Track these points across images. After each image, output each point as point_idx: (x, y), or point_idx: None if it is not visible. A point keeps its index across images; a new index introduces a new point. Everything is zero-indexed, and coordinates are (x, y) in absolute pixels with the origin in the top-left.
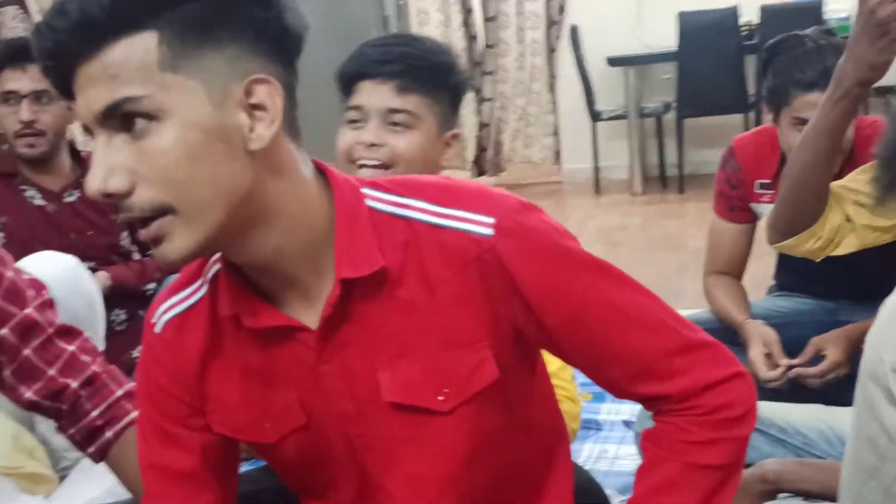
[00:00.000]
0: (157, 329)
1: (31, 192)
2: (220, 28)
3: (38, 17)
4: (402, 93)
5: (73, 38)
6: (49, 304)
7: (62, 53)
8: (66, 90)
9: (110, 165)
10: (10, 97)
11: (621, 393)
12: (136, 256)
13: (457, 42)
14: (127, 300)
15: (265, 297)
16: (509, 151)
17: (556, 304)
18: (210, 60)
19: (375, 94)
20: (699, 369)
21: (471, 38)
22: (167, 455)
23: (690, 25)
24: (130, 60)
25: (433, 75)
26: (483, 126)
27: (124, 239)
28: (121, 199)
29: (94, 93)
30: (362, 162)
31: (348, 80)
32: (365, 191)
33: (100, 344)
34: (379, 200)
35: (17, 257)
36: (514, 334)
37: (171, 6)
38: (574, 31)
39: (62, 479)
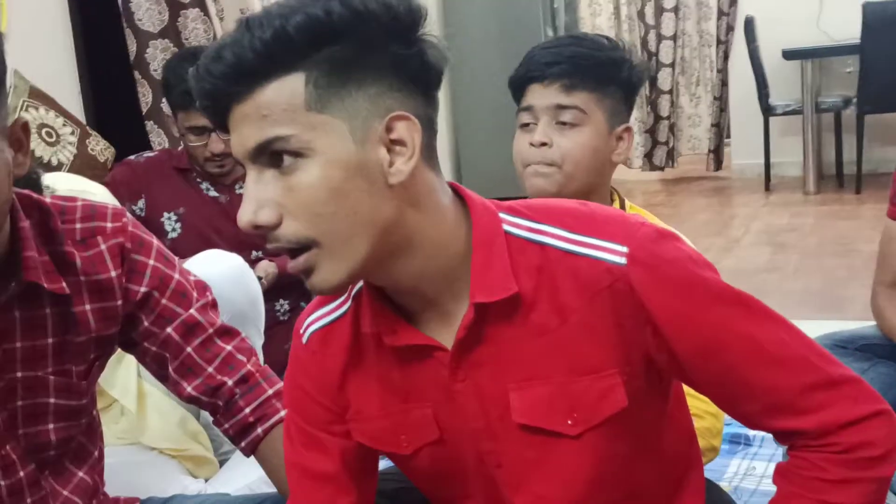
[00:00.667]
0: (304, 340)
1: (205, 185)
2: (364, 68)
3: (217, 21)
4: (570, 91)
5: (228, 81)
6: (212, 305)
7: (218, 95)
8: (222, 125)
9: (260, 199)
10: (200, 130)
11: (754, 425)
12: None
13: (626, 34)
14: (291, 291)
15: (405, 317)
16: (678, 145)
17: (689, 335)
18: (353, 99)
19: (544, 95)
20: (839, 406)
21: (647, 28)
22: (310, 457)
23: (875, 17)
24: (280, 101)
25: (602, 71)
26: (659, 119)
27: None
28: (269, 230)
29: (246, 131)
30: (531, 164)
31: (518, 85)
32: (502, 216)
33: (260, 337)
34: (515, 226)
35: (193, 245)
36: (645, 363)
37: (317, 48)
38: (749, 23)
39: (222, 463)
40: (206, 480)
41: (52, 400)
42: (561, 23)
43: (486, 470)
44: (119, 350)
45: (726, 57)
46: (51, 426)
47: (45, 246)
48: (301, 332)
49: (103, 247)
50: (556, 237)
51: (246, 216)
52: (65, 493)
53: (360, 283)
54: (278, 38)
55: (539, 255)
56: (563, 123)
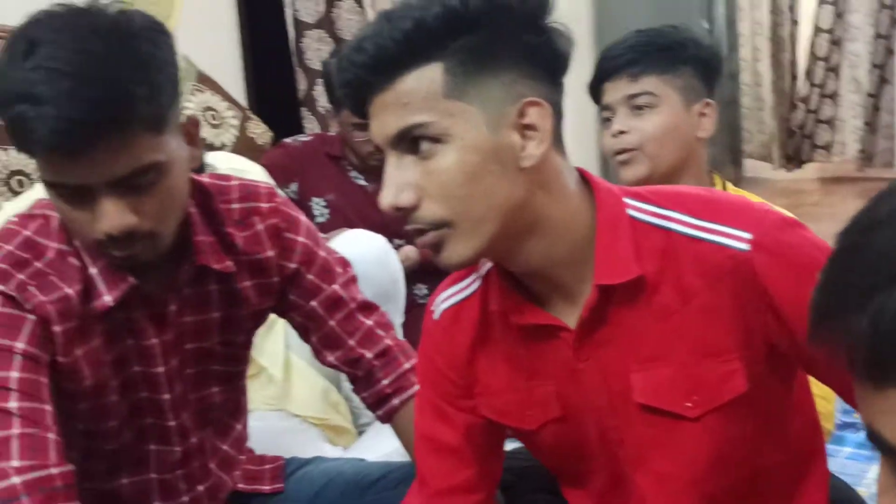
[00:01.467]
0: (436, 316)
1: (354, 173)
2: (497, 56)
3: (370, 13)
4: (637, 78)
5: (369, 71)
6: (353, 281)
7: (360, 84)
8: (362, 112)
9: (400, 183)
10: (364, 126)
11: None
12: None
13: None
14: (429, 276)
15: (531, 297)
16: (837, 143)
17: None
18: (488, 87)
19: (615, 89)
20: None
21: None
22: (437, 429)
23: None
24: (419, 90)
25: (666, 54)
26: (809, 112)
27: None
28: (409, 212)
29: (387, 119)
30: (615, 155)
31: (595, 92)
32: (627, 200)
33: (400, 316)
34: (640, 210)
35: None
36: (766, 348)
37: (454, 38)
38: None
39: (360, 433)
40: (345, 449)
41: (217, 367)
42: (717, 14)
43: (609, 447)
44: (267, 322)
45: (889, 52)
46: (216, 389)
47: (209, 227)
48: (433, 308)
49: (260, 227)
50: (681, 223)
51: (388, 198)
52: (224, 447)
53: (489, 264)
54: (418, 28)
55: (663, 240)
56: (638, 108)
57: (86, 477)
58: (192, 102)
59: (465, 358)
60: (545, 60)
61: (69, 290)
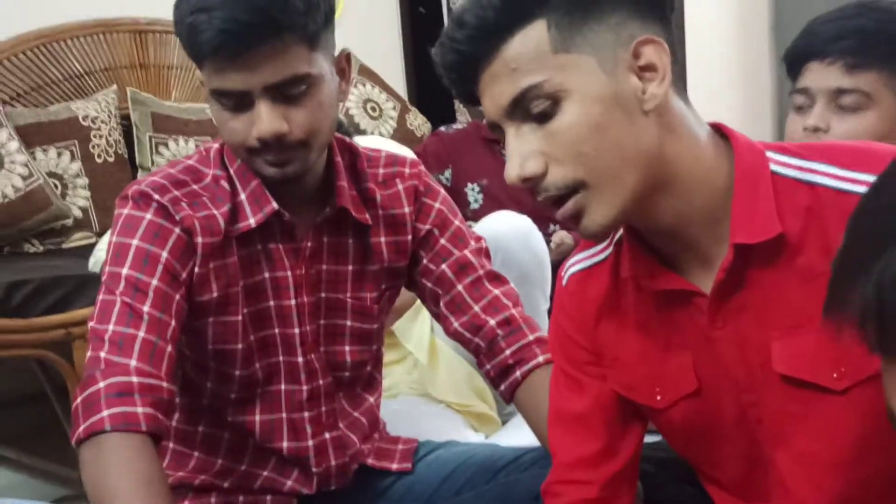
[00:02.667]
0: (564, 281)
1: None
2: (600, 0)
3: None
4: (853, 71)
5: (474, 43)
6: (485, 253)
7: (466, 62)
8: (472, 97)
9: (523, 153)
10: None
11: None
12: None
13: None
14: None
15: (664, 261)
16: None
17: None
18: (596, 33)
19: (823, 76)
20: None
21: None
22: (567, 398)
23: None
24: (527, 51)
25: (894, 47)
26: None
27: None
28: (538, 181)
29: (498, 90)
30: None
31: (795, 62)
32: (770, 154)
33: (545, 301)
34: (784, 165)
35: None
36: None
37: None
38: None
39: (504, 422)
40: (487, 437)
41: (348, 322)
42: None
43: (747, 425)
44: (415, 306)
45: None
46: (347, 348)
47: (352, 181)
48: (562, 274)
49: (400, 187)
50: (828, 175)
51: (513, 171)
52: (355, 413)
53: (622, 231)
54: None
55: (809, 196)
56: (843, 107)
57: (220, 405)
58: (353, 94)
59: (592, 323)
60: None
61: (216, 211)
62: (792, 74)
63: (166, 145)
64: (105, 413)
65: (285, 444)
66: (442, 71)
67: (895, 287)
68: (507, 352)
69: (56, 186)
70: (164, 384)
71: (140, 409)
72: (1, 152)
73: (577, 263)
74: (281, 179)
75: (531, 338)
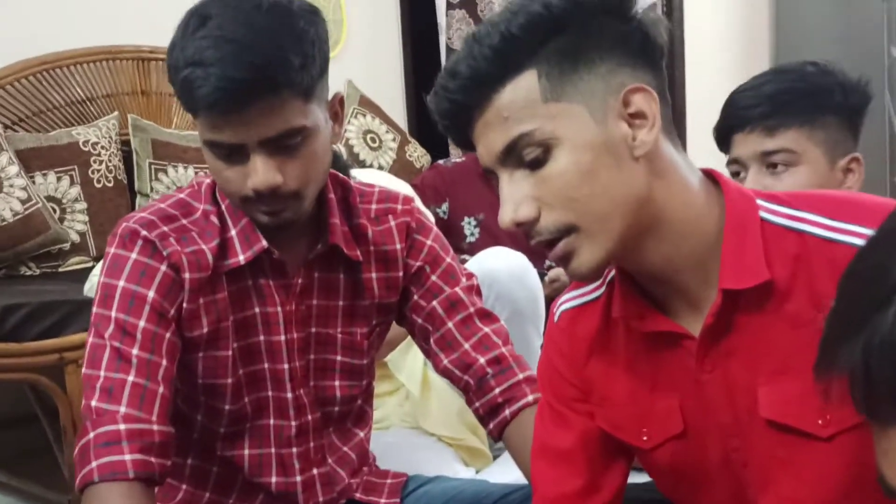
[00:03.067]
0: (556, 318)
1: None
2: (590, 50)
3: None
4: (774, 133)
5: (466, 93)
6: (476, 291)
7: (459, 110)
8: (465, 142)
9: (516, 198)
10: None
11: None
12: None
13: None
14: None
15: (654, 303)
16: None
17: None
18: (586, 82)
19: (747, 143)
20: None
21: None
22: (552, 433)
23: None
24: (517, 100)
25: (808, 103)
26: None
27: None
28: (530, 226)
29: (492, 137)
30: None
31: (723, 137)
32: (760, 202)
33: (538, 337)
34: (773, 213)
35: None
36: None
37: (543, 43)
38: None
39: (496, 457)
40: (478, 471)
41: (338, 357)
42: None
43: (732, 469)
44: (407, 340)
45: None
46: (336, 383)
47: (344, 217)
48: (554, 311)
49: (392, 223)
50: (815, 224)
51: (507, 216)
52: (344, 448)
53: (614, 272)
54: (506, 41)
55: (797, 244)
56: (773, 166)
57: (210, 439)
58: (352, 125)
59: (581, 362)
60: (639, 46)
61: (205, 246)
62: (723, 149)
63: (165, 172)
64: (94, 464)
65: (273, 480)
66: (437, 118)
67: (882, 354)
68: (497, 390)
69: (55, 210)
70: (155, 427)
71: (128, 457)
72: (1, 176)
73: (569, 301)
74: (276, 227)
75: (521, 377)
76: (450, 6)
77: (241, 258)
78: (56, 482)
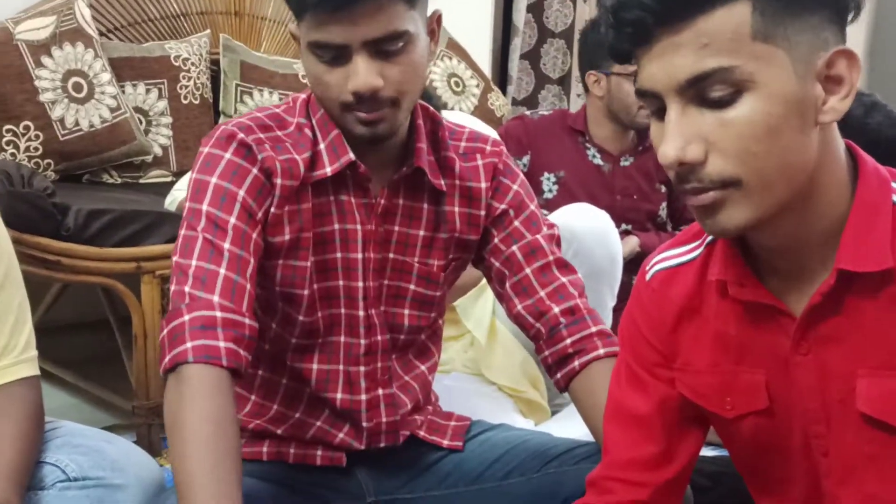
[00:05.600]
0: (647, 277)
1: (592, 151)
2: None
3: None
4: None
5: (668, 5)
6: (557, 241)
7: (649, 21)
8: (627, 55)
9: (686, 134)
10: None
11: None
12: (669, 228)
13: None
14: None
15: (757, 272)
16: None
17: None
18: (796, 30)
19: None
20: None
21: None
22: (629, 396)
23: None
24: (725, 30)
25: None
26: None
27: (663, 209)
28: (693, 168)
29: (679, 61)
30: None
31: None
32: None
33: (612, 299)
34: None
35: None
36: None
37: None
38: None
39: (553, 413)
40: (535, 424)
41: (412, 286)
42: None
43: (811, 455)
44: (479, 286)
45: None
46: (406, 311)
47: (431, 147)
48: (647, 268)
49: (480, 162)
50: None
51: (672, 151)
52: (406, 377)
53: None
54: None
55: None
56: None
57: (281, 350)
58: (437, 67)
59: (669, 326)
60: (847, 4)
61: (297, 157)
62: None
63: (251, 94)
64: (189, 345)
65: (339, 396)
66: (611, 20)
67: None
68: (568, 340)
69: (141, 122)
70: (246, 320)
71: (222, 344)
72: (93, 82)
73: (664, 260)
74: (370, 139)
75: (594, 329)
76: None
77: (328, 169)
78: (122, 387)
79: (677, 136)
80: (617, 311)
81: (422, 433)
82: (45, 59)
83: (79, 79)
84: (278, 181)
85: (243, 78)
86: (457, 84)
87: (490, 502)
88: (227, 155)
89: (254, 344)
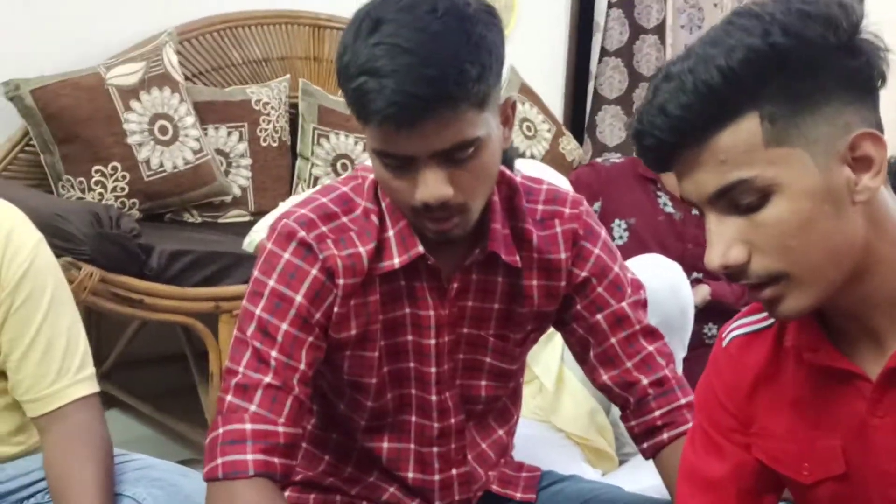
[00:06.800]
0: (724, 343)
1: (663, 199)
2: (814, 91)
3: (670, 52)
4: None
5: (678, 133)
6: (642, 305)
7: (667, 148)
8: (664, 169)
9: (727, 239)
10: None
11: None
12: None
13: None
14: (721, 316)
15: (832, 337)
16: None
17: None
18: (810, 126)
19: None
20: None
21: None
22: (704, 461)
23: None
24: (737, 145)
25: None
26: None
27: None
28: (739, 269)
29: (702, 177)
30: None
31: None
32: None
33: (682, 350)
34: None
35: (633, 255)
36: None
37: (765, 83)
38: None
39: (621, 462)
40: (603, 474)
41: (488, 359)
42: None
43: None
44: (547, 333)
45: None
46: (483, 383)
47: (507, 220)
48: (724, 335)
49: (558, 230)
50: None
51: (717, 258)
52: (483, 445)
53: None
54: (725, 79)
55: None
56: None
57: (352, 430)
58: None
59: (746, 391)
60: (866, 81)
61: (362, 249)
62: None
63: (328, 138)
64: (219, 461)
65: (411, 475)
66: (638, 148)
67: None
68: (657, 413)
69: (221, 163)
70: (280, 429)
71: (250, 457)
72: (178, 125)
73: (741, 327)
74: (442, 240)
75: (683, 402)
76: (610, 5)
77: (397, 262)
78: (196, 421)
79: (719, 243)
80: (687, 360)
81: (494, 487)
82: (133, 104)
83: (165, 122)
84: (340, 281)
85: (321, 121)
86: (528, 129)
87: None
88: (286, 255)
89: (294, 449)
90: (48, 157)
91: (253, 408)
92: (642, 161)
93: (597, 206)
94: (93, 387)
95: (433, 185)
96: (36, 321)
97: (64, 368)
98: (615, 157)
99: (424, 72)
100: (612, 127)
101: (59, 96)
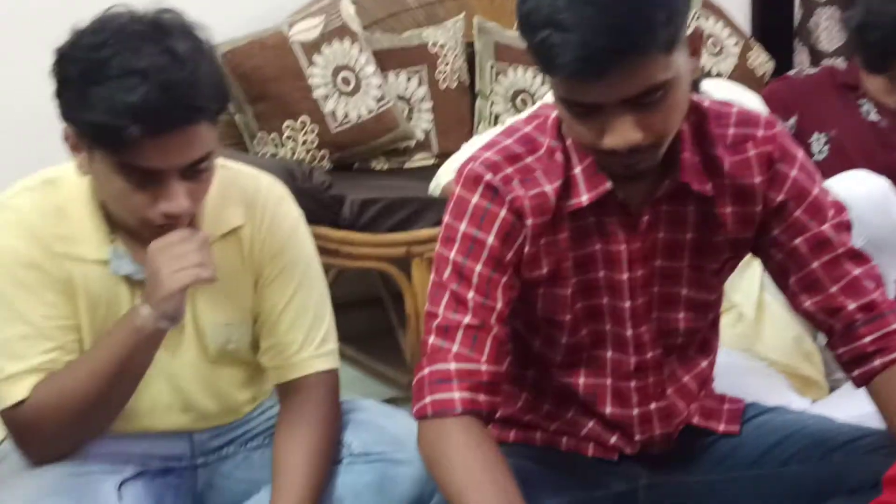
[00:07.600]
0: None
1: (867, 107)
2: None
3: None
4: None
5: None
6: (846, 227)
7: None
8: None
9: None
10: None
11: None
12: None
13: None
14: None
15: None
16: None
17: None
18: None
19: None
20: None
21: None
22: None
23: None
24: None
25: None
26: None
27: None
28: None
29: None
30: None
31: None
32: None
33: (894, 270)
34: None
35: (837, 171)
36: None
37: None
38: None
39: (831, 389)
40: (812, 402)
41: (684, 291)
42: None
43: None
44: (746, 257)
45: None
46: (681, 315)
47: (697, 147)
48: None
49: (751, 153)
50: None
51: None
52: (684, 378)
53: None
54: None
55: None
56: None
57: (547, 366)
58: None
59: None
60: None
61: (548, 188)
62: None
63: (505, 74)
64: (427, 399)
65: (608, 410)
66: (859, 44)
67: None
68: (867, 339)
69: (403, 109)
70: (483, 367)
71: (457, 395)
72: (359, 75)
73: None
74: (631, 177)
75: (895, 326)
76: None
77: (584, 199)
78: (397, 361)
79: None
80: None
81: (695, 420)
82: (316, 58)
83: (347, 73)
84: (529, 221)
85: (498, 57)
86: (714, 45)
87: (768, 488)
88: (475, 199)
89: (497, 386)
90: (241, 118)
91: (455, 348)
92: (862, 59)
93: (792, 121)
94: (333, 362)
95: (622, 132)
96: (288, 291)
97: (308, 340)
98: (810, 69)
99: (609, 22)
100: (827, 31)
101: (248, 57)
